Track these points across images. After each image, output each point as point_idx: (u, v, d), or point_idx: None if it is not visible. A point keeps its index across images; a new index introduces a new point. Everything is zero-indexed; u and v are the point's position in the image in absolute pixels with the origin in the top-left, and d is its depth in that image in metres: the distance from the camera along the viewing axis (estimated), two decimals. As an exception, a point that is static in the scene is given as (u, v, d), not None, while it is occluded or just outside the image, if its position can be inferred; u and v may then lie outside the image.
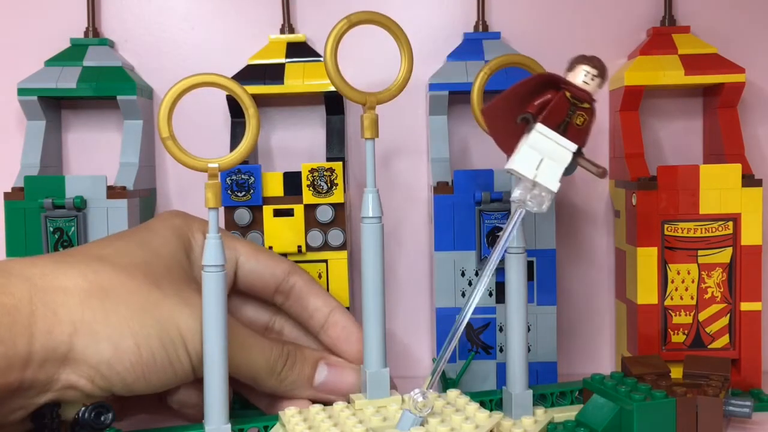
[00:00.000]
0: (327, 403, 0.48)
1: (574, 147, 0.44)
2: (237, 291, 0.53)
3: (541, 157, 0.43)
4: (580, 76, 0.43)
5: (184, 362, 0.45)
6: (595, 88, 0.44)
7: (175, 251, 0.49)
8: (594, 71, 0.43)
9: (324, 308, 0.52)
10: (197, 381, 0.46)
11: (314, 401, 0.49)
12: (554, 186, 0.43)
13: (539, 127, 0.43)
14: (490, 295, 0.59)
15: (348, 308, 0.58)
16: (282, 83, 0.61)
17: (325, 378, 0.50)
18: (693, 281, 0.59)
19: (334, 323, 0.52)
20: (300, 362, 0.49)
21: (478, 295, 0.45)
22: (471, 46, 0.63)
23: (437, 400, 0.47)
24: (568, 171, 0.45)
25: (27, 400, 0.42)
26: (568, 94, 0.43)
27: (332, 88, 0.48)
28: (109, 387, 0.43)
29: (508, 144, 0.45)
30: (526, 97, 0.44)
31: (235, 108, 0.61)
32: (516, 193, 0.44)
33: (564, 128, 0.43)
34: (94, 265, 0.45)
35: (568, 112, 0.43)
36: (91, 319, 0.42)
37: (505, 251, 0.48)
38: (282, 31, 0.64)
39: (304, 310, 0.53)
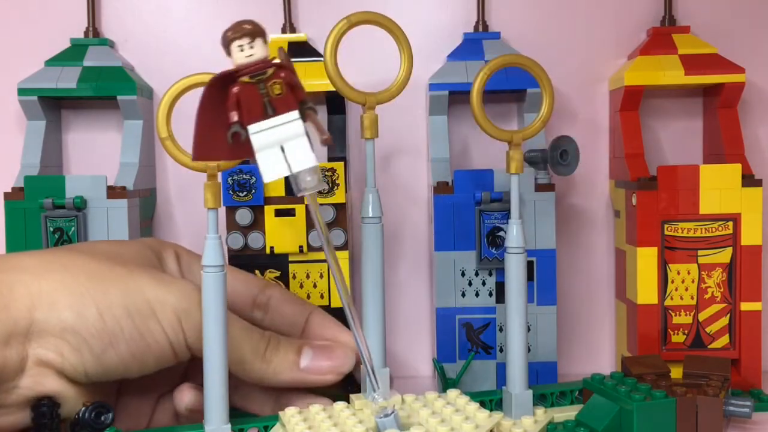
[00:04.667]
0: (329, 402, 0.48)
1: (294, 115, 0.39)
2: None
3: (278, 148, 0.39)
4: (237, 54, 0.39)
5: (156, 334, 0.44)
6: (262, 49, 0.39)
7: (146, 255, 0.50)
8: (245, 40, 0.38)
9: (303, 312, 0.53)
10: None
11: (309, 389, 0.49)
12: (311, 162, 0.39)
13: (250, 128, 0.39)
14: (490, 295, 0.59)
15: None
16: (282, 83, 0.60)
17: (311, 360, 0.49)
18: (693, 281, 0.58)
19: (312, 322, 0.53)
20: (283, 346, 0.49)
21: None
22: (471, 46, 0.63)
23: (437, 400, 0.47)
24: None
25: (5, 385, 0.42)
26: (244, 78, 0.39)
27: (333, 88, 0.48)
28: (81, 362, 0.43)
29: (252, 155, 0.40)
30: (217, 111, 0.39)
31: (235, 108, 0.61)
32: (295, 188, 0.40)
33: (272, 107, 0.39)
34: (53, 249, 0.46)
35: (260, 93, 0.39)
36: (49, 289, 0.42)
37: (505, 251, 0.48)
38: (283, 31, 0.64)
39: (284, 319, 0.53)
